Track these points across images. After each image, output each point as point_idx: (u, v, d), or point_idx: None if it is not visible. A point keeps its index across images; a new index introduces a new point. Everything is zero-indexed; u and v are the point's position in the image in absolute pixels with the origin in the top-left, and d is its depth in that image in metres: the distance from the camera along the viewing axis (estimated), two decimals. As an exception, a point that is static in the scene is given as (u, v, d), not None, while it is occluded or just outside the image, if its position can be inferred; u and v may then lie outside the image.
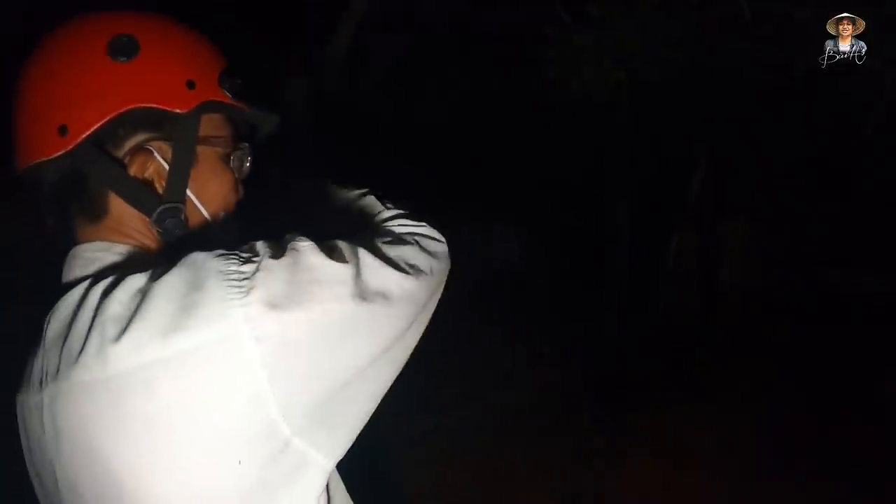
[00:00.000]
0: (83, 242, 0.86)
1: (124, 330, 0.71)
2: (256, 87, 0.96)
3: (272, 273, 0.75)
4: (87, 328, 0.74)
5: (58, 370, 0.76)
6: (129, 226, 0.87)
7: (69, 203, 0.87)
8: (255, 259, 0.76)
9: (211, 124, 0.90)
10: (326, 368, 0.78)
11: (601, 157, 6.01)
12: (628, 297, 5.48)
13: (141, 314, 0.72)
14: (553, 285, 6.96)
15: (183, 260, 0.76)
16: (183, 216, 0.88)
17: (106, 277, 0.78)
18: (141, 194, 0.86)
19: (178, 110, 0.85)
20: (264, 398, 0.72)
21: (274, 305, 0.73)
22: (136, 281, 0.75)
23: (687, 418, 4.85)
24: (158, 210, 0.86)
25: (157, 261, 0.80)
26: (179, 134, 0.86)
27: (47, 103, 0.83)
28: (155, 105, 0.83)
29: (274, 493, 0.76)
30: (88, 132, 0.82)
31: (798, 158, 6.60)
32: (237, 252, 0.77)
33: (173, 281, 0.74)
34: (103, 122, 0.82)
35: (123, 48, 0.83)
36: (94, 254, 0.85)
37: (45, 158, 0.83)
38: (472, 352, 5.73)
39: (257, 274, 0.74)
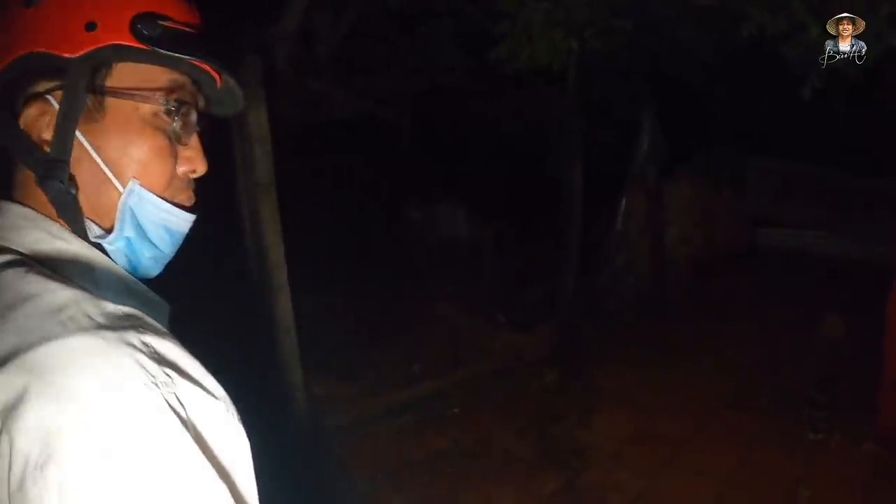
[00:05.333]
0: (16, 203, 0.80)
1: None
2: (203, 44, 0.84)
3: None
4: None
5: None
6: (30, 188, 0.79)
7: (16, 150, 0.80)
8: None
9: (132, 75, 0.79)
10: None
11: (551, 126, 6.15)
12: (581, 261, 5.64)
13: None
14: (503, 256, 7.10)
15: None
16: (70, 177, 0.77)
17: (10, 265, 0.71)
18: (24, 145, 0.78)
19: (67, 54, 0.76)
20: None
21: None
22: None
23: (646, 371, 5.10)
24: (42, 165, 0.77)
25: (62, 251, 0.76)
26: (69, 78, 0.76)
27: None
28: (45, 50, 0.76)
29: None
30: None
31: (737, 122, 6.89)
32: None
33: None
34: (3, 64, 0.77)
35: None
36: (19, 220, 0.78)
37: None
38: (429, 325, 5.84)
39: None
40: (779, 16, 3.79)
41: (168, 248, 0.86)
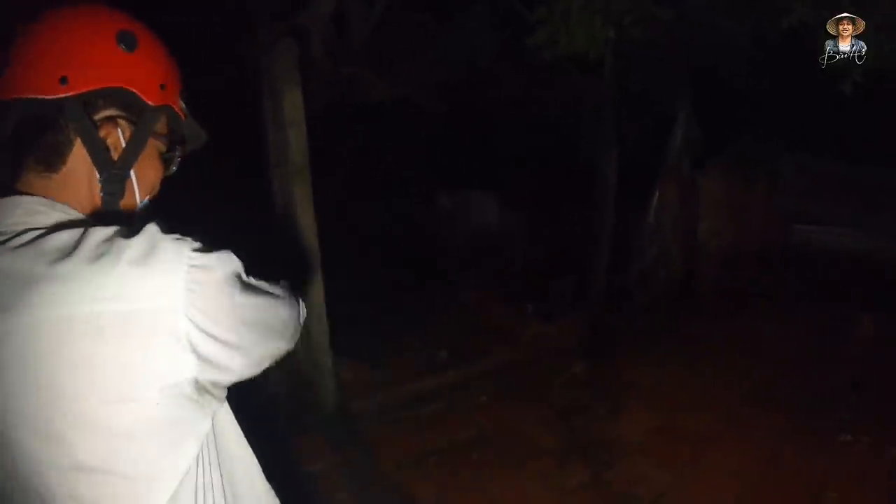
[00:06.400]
0: (27, 195, 0.99)
1: (83, 280, 0.87)
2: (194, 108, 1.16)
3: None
4: (41, 272, 0.88)
5: (6, 307, 0.88)
6: (76, 184, 1.02)
7: (27, 150, 1.00)
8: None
9: (162, 123, 1.10)
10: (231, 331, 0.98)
11: (585, 115, 6.08)
12: (612, 252, 5.59)
13: (103, 268, 0.87)
14: (533, 244, 7.08)
15: (144, 229, 0.93)
16: (124, 187, 1.05)
17: (55, 230, 0.93)
18: (102, 153, 1.02)
19: (149, 102, 1.05)
20: (185, 359, 0.91)
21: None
22: (99, 234, 0.91)
23: (674, 366, 5.05)
24: (111, 171, 1.03)
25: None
26: (143, 120, 1.05)
27: (55, 57, 0.98)
28: (135, 91, 1.03)
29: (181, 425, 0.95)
30: (86, 89, 0.99)
31: (773, 116, 6.76)
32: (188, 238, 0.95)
33: (135, 244, 0.90)
34: (99, 86, 1.00)
35: (128, 40, 1.03)
36: (38, 207, 0.97)
37: (39, 97, 0.97)
38: (457, 313, 5.83)
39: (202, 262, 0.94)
40: (822, 10, 3.70)
41: None
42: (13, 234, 0.92)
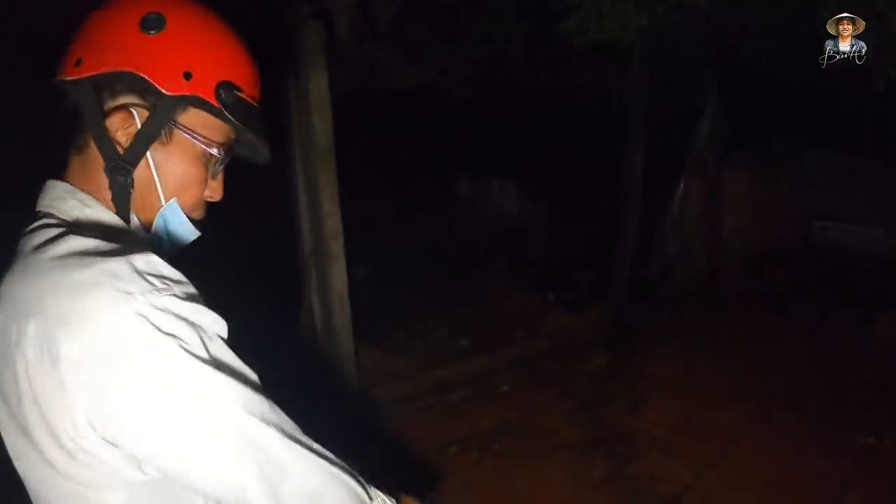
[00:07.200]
0: (61, 180, 1.01)
1: (38, 294, 0.87)
2: (258, 116, 1.07)
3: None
4: (15, 273, 0.91)
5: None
6: (95, 172, 1.00)
7: (70, 134, 1.00)
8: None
9: (200, 121, 1.02)
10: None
11: (611, 104, 6.00)
12: (636, 244, 5.52)
13: (50, 285, 0.87)
14: (554, 234, 7.02)
15: (131, 255, 0.88)
16: (131, 179, 0.99)
17: (55, 226, 0.94)
18: (106, 142, 0.98)
19: (164, 90, 0.96)
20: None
21: None
22: (72, 244, 0.90)
23: (697, 362, 4.99)
24: (114, 162, 0.98)
25: (103, 223, 0.98)
26: (158, 109, 0.98)
27: (80, 39, 0.98)
28: (149, 77, 0.95)
29: None
30: (95, 72, 0.95)
31: (801, 111, 6.64)
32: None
33: (85, 270, 0.86)
34: (109, 70, 0.95)
35: (153, 22, 0.96)
36: (62, 193, 0.99)
37: (60, 78, 0.98)
38: (478, 302, 5.80)
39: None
40: (857, 5, 3.60)
41: (171, 249, 1.09)
42: (38, 220, 0.97)
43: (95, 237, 0.91)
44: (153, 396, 0.85)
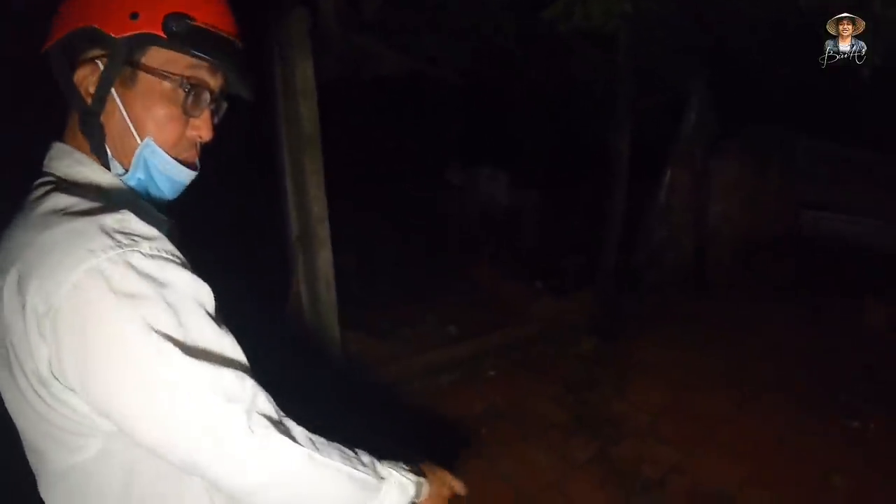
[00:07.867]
0: (62, 141, 1.08)
1: (23, 251, 0.92)
2: (224, 45, 1.07)
3: None
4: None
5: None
6: (77, 129, 1.06)
7: (69, 98, 1.06)
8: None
9: (163, 58, 1.03)
10: None
11: (597, 93, 6.01)
12: (623, 232, 5.54)
13: (29, 241, 0.92)
14: (543, 222, 7.03)
15: (101, 212, 0.93)
16: (99, 124, 1.04)
17: (47, 185, 1.00)
18: (74, 94, 1.04)
19: (112, 34, 1.00)
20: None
21: None
22: (50, 203, 0.96)
23: (683, 347, 5.02)
24: (84, 111, 1.04)
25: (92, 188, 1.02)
26: (113, 53, 1.01)
27: (57, 13, 1.05)
28: (98, 26, 1.00)
29: None
30: (53, 40, 1.04)
31: (790, 100, 6.66)
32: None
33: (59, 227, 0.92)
34: (69, 30, 1.02)
35: None
36: (57, 153, 1.06)
37: (43, 50, 1.06)
38: (467, 289, 5.81)
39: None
40: None
41: (169, 192, 1.12)
42: (40, 180, 1.04)
43: (79, 196, 0.96)
44: (98, 359, 0.86)
